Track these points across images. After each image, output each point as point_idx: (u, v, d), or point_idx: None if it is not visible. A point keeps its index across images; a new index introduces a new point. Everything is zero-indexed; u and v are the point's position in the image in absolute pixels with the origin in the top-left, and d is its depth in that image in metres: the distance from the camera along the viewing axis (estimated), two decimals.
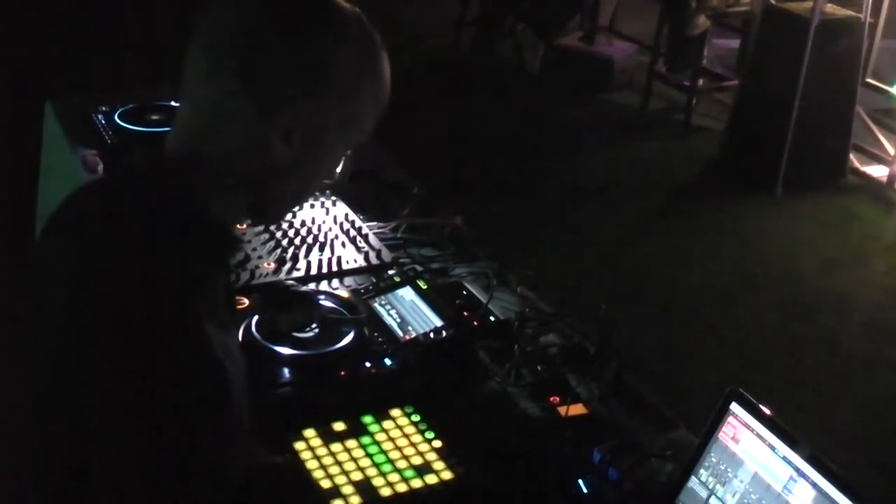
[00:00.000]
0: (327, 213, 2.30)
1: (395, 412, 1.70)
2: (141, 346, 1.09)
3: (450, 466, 1.60)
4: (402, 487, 1.55)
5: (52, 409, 1.18)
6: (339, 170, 1.34)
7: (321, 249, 2.17)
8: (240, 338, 1.80)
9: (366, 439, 1.64)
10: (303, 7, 1.21)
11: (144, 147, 1.26)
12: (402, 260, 2.18)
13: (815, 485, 1.38)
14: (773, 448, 1.44)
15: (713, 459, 1.51)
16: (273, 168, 1.22)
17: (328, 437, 1.63)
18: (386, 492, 1.54)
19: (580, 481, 1.57)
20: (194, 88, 1.21)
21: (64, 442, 1.16)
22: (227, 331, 1.23)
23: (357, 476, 1.56)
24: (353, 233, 2.24)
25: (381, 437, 1.65)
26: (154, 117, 2.64)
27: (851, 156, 5.18)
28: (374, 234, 2.26)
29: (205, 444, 1.12)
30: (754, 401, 1.49)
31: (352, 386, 1.76)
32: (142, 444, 1.08)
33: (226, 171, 1.21)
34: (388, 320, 1.93)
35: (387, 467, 1.59)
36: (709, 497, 1.50)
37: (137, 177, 1.25)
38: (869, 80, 5.15)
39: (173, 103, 2.62)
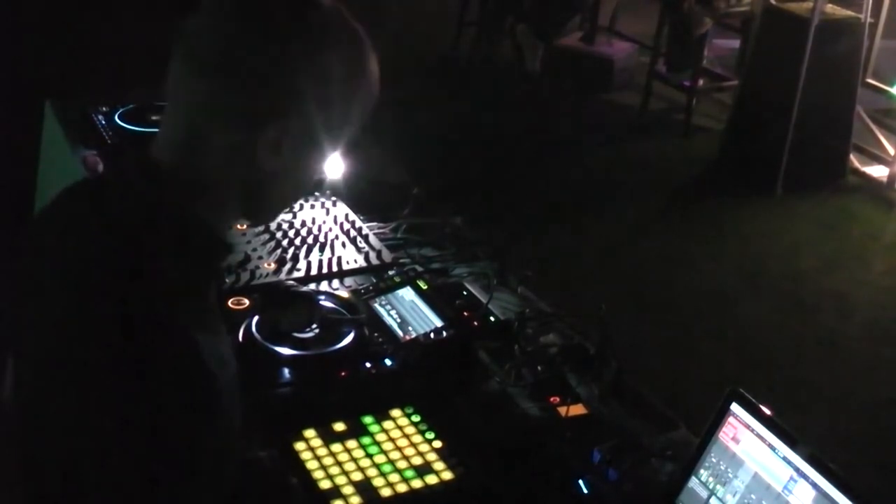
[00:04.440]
0: (327, 213, 2.30)
1: (395, 412, 1.70)
2: (128, 354, 1.08)
3: (450, 466, 1.60)
4: (402, 487, 1.55)
5: (39, 414, 1.17)
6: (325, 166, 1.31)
7: (321, 249, 2.17)
8: (240, 338, 1.80)
9: (366, 439, 1.64)
10: (282, 15, 1.17)
11: (137, 150, 1.24)
12: (402, 260, 2.18)
13: (815, 485, 1.38)
14: (773, 448, 1.44)
15: (713, 459, 1.51)
16: (261, 175, 1.20)
17: (328, 437, 1.63)
18: (386, 492, 1.54)
19: (580, 481, 1.57)
20: (177, 98, 1.19)
21: (52, 449, 1.15)
22: (218, 336, 1.21)
23: (357, 476, 1.56)
24: (353, 233, 2.24)
25: (381, 437, 1.65)
26: (154, 117, 2.63)
27: (851, 156, 5.18)
28: (374, 234, 2.25)
29: (194, 450, 1.11)
30: (754, 401, 1.49)
31: (352, 386, 1.76)
32: (131, 452, 1.07)
33: (214, 179, 1.19)
34: (388, 320, 1.93)
35: (387, 467, 1.58)
36: (709, 497, 1.50)
37: (127, 182, 1.22)
38: (869, 80, 5.15)
39: None
